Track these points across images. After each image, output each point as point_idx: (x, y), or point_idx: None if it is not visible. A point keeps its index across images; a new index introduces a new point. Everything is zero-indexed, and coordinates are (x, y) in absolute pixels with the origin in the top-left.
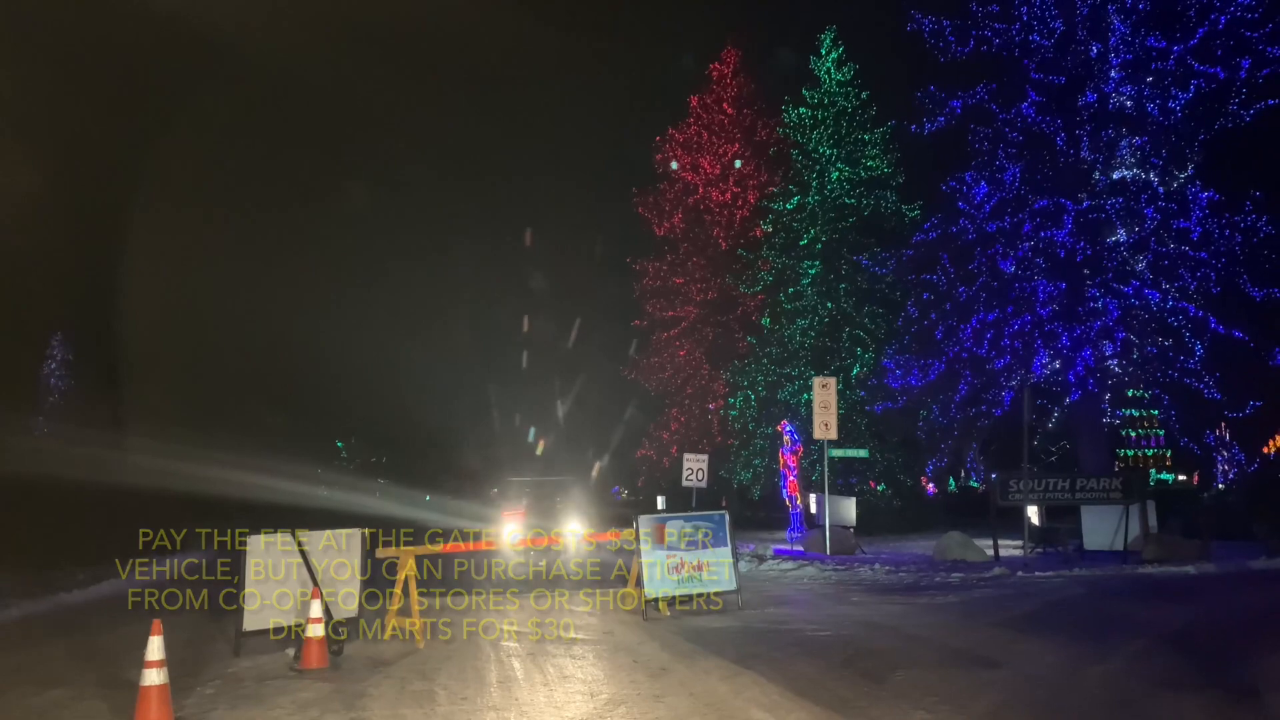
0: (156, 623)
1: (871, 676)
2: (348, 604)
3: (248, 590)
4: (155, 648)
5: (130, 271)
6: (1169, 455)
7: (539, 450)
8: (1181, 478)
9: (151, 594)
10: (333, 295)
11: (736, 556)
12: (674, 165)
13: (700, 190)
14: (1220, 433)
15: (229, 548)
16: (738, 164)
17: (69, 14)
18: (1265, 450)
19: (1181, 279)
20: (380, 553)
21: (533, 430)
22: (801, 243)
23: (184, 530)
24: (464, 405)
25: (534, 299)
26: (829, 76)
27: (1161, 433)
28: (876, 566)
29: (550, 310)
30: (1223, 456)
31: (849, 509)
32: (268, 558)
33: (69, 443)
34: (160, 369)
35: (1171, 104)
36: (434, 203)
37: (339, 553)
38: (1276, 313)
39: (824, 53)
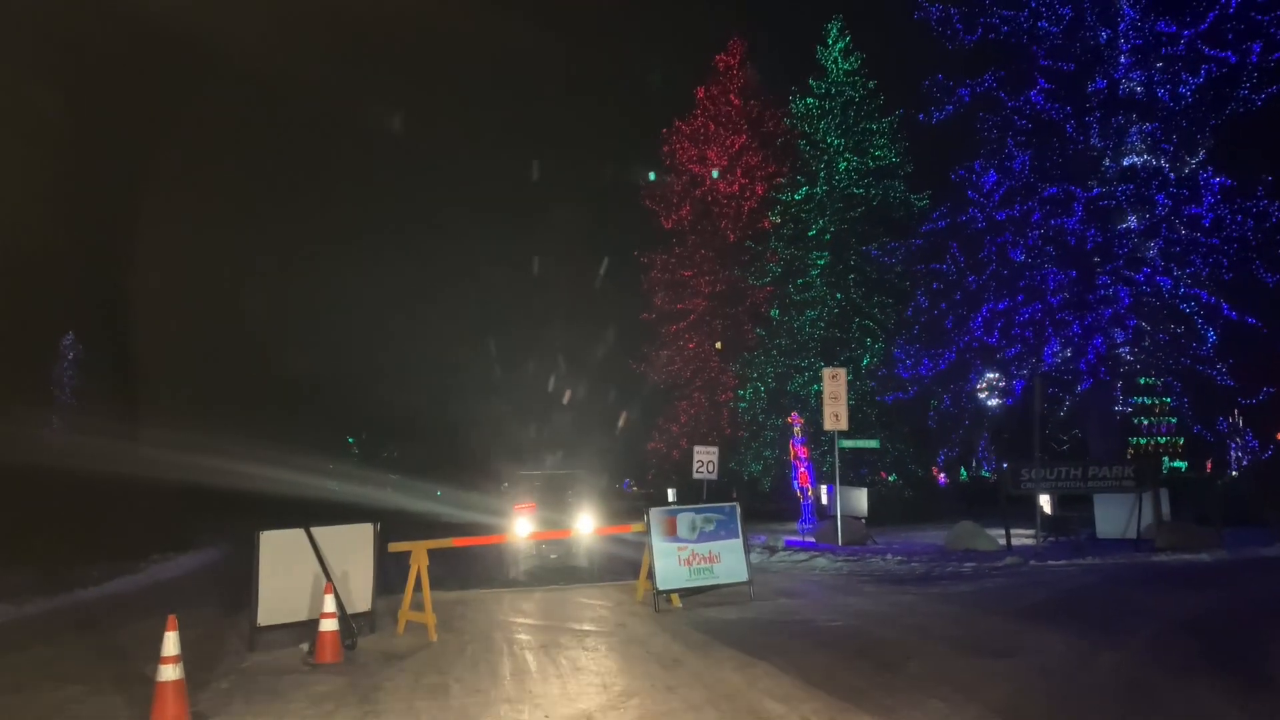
0: (172, 618)
1: (885, 666)
2: (361, 598)
3: (261, 586)
4: (170, 643)
5: (140, 269)
6: (1181, 443)
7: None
8: (1194, 465)
9: (166, 589)
10: (342, 292)
11: (748, 548)
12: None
13: (707, 182)
14: (1233, 420)
15: (242, 543)
16: (715, 174)
17: (70, 14)
18: (1279, 437)
19: (1193, 265)
20: (393, 547)
21: (542, 423)
22: (810, 233)
23: (198, 526)
24: (474, 400)
25: (542, 292)
26: (835, 66)
27: (1174, 420)
28: (888, 557)
29: (559, 303)
30: (1236, 444)
31: (860, 499)
32: (280, 553)
33: (82, 440)
34: (172, 366)
35: (1182, 89)
36: (439, 203)
37: (351, 547)
38: None
39: (830, 43)
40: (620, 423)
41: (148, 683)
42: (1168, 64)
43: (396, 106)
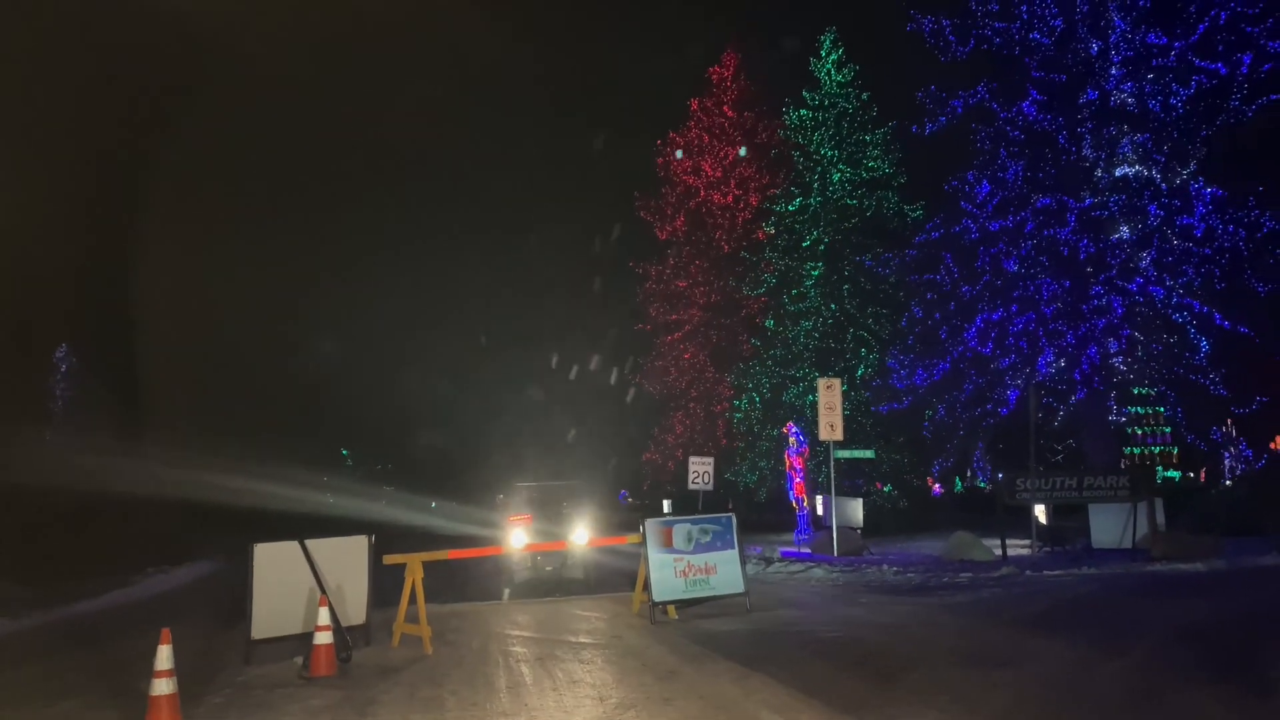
0: (165, 632)
1: (883, 677)
2: (356, 611)
3: (256, 599)
4: (164, 657)
5: (137, 282)
6: (1175, 452)
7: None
8: (1189, 475)
9: (162, 603)
10: (338, 306)
11: (744, 559)
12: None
13: (702, 193)
14: (1227, 429)
15: (237, 557)
16: (742, 152)
17: (69, 24)
18: (1272, 445)
19: (1186, 275)
20: (387, 559)
21: (538, 435)
22: (804, 244)
23: (193, 540)
24: (469, 413)
25: (538, 306)
26: (829, 78)
27: (1168, 430)
28: (884, 567)
29: (553, 316)
30: (1230, 453)
31: (856, 510)
32: (275, 566)
33: (77, 454)
34: (167, 379)
35: (1173, 100)
36: (436, 213)
37: (346, 560)
38: None
39: (824, 54)
40: (617, 438)
41: (142, 697)
42: (1159, 75)
43: (392, 127)
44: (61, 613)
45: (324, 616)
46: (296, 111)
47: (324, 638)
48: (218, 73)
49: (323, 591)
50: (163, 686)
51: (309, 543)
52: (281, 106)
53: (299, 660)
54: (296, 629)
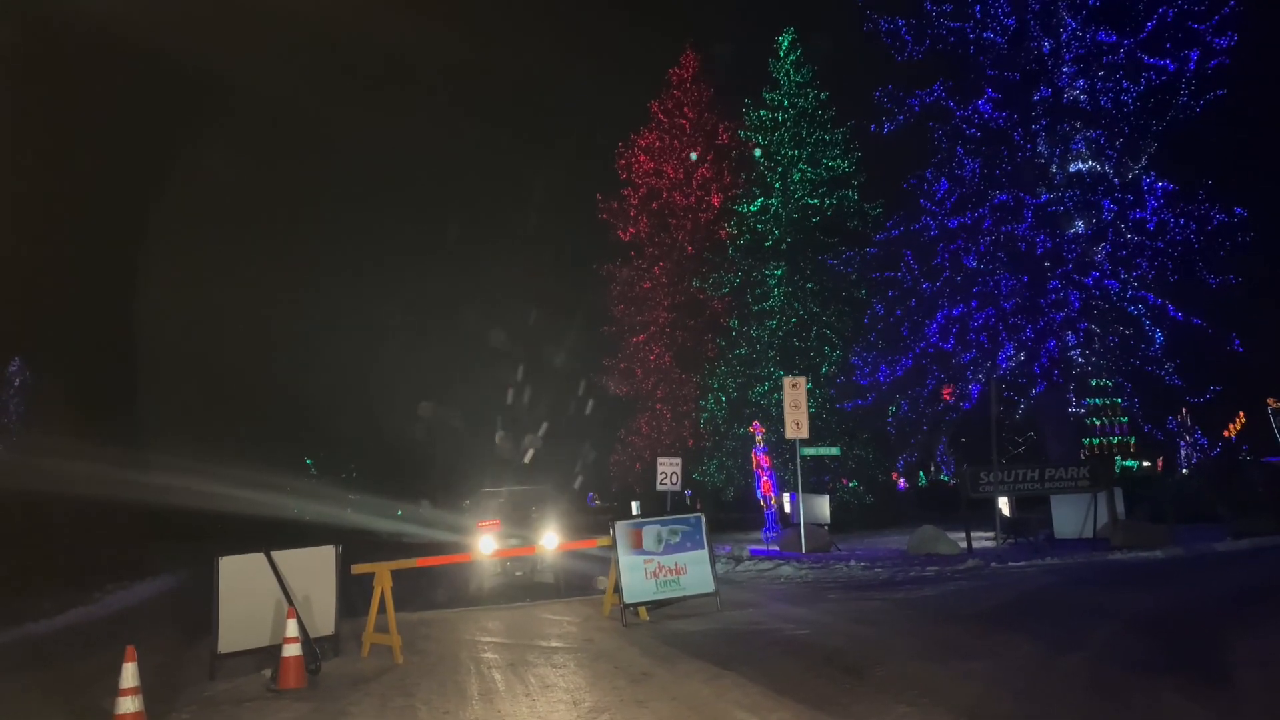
0: (130, 649)
1: (852, 673)
2: (324, 622)
3: (221, 612)
4: (129, 675)
5: (94, 291)
6: (1133, 442)
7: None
8: (1146, 464)
9: (124, 619)
10: (307, 315)
11: (713, 559)
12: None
13: (664, 195)
14: (1182, 418)
15: (201, 569)
16: (693, 156)
17: (31, 26)
18: (1226, 434)
19: (1140, 268)
20: (356, 569)
21: (503, 435)
22: (766, 244)
23: (155, 552)
24: (436, 417)
25: (504, 308)
26: (788, 78)
27: (1125, 420)
28: (852, 563)
29: (520, 319)
30: (1185, 442)
31: (823, 506)
32: (241, 578)
33: (30, 467)
34: (127, 390)
35: (1124, 97)
36: (404, 225)
37: (313, 570)
38: (1232, 299)
39: (783, 55)
40: (585, 441)
41: (105, 716)
42: (1109, 72)
43: (354, 140)
44: (18, 632)
45: (292, 628)
46: (259, 124)
47: (292, 649)
48: (182, 86)
49: (290, 603)
50: (128, 705)
51: (275, 554)
52: (244, 119)
53: (267, 673)
54: (264, 641)
